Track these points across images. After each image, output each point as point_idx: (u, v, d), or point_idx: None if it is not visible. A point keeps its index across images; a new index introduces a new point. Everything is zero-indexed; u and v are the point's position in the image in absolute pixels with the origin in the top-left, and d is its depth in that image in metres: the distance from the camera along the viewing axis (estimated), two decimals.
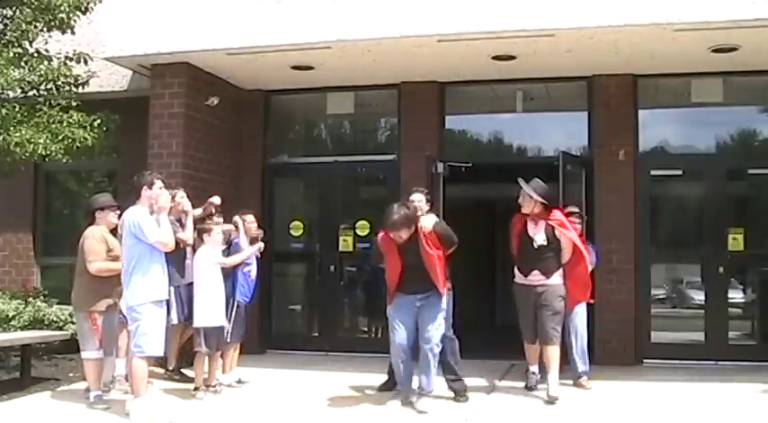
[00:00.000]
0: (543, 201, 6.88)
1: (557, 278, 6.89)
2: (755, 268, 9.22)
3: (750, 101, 9.44)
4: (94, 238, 6.54)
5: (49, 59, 8.50)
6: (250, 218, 7.71)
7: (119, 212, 6.64)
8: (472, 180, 10.00)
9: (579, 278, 7.02)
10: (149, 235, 6.03)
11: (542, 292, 6.83)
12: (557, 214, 6.99)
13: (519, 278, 7.04)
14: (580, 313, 7.48)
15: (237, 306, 7.32)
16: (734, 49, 8.07)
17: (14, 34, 8.33)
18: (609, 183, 9.03)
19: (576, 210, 7.71)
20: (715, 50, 8.14)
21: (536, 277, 6.89)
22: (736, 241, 8.96)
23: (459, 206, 9.68)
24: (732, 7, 7.11)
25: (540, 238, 6.86)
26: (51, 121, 8.26)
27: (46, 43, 8.65)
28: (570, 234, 6.93)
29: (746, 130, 9.55)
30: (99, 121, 8.51)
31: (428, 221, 6.24)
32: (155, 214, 6.22)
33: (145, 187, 6.30)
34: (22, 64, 8.30)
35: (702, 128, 9.48)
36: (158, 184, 6.31)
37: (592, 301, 7.58)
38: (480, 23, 7.72)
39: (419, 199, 6.60)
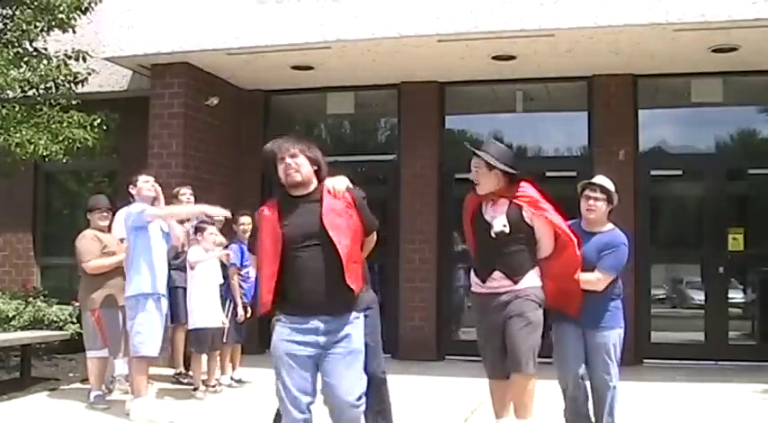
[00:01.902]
0: (508, 169, 4.58)
1: (530, 280, 4.56)
2: (755, 268, 9.22)
3: (750, 101, 9.44)
4: (86, 239, 6.60)
5: (49, 58, 8.50)
6: (244, 220, 7.67)
7: (106, 214, 6.70)
8: None
9: (564, 280, 4.62)
10: (148, 213, 6.15)
11: (509, 301, 4.51)
12: (526, 188, 4.63)
13: (475, 285, 4.72)
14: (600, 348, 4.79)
15: (235, 307, 7.32)
16: (734, 49, 8.07)
17: (14, 34, 8.33)
18: None
19: (601, 182, 4.96)
20: (715, 50, 8.14)
21: (498, 282, 4.56)
22: (736, 241, 8.96)
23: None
24: (732, 7, 7.11)
25: (498, 222, 4.55)
26: (51, 121, 8.26)
27: (45, 43, 8.65)
28: (551, 215, 4.58)
29: (746, 130, 9.55)
30: (99, 121, 8.51)
31: (341, 182, 3.77)
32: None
33: (131, 186, 6.57)
34: (22, 64, 8.30)
35: (702, 128, 9.48)
36: (143, 178, 6.52)
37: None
38: (480, 23, 7.72)
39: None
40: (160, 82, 9.08)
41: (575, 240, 4.60)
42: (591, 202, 4.86)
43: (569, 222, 4.78)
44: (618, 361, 4.79)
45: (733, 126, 9.46)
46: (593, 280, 4.68)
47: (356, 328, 3.67)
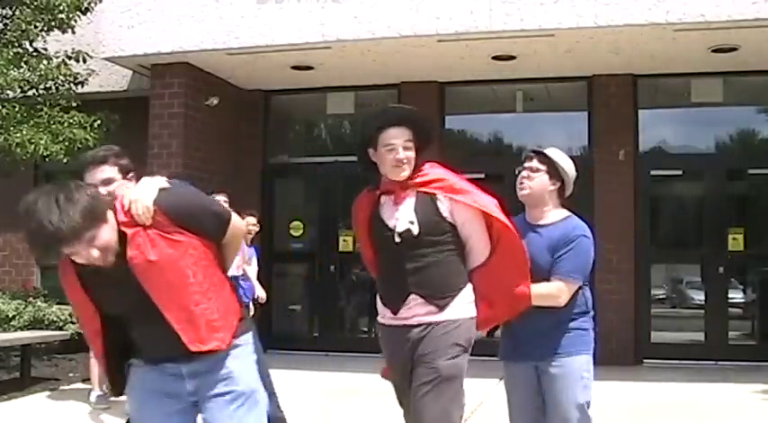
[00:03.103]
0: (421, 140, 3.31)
1: (460, 305, 3.20)
2: (755, 268, 9.22)
3: (750, 101, 9.44)
4: None
5: (49, 59, 8.50)
6: (250, 220, 7.69)
7: None
8: None
9: (508, 293, 3.29)
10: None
11: (419, 338, 3.19)
12: (436, 171, 3.30)
13: (382, 315, 3.37)
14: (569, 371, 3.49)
15: None
16: (734, 49, 8.07)
17: (14, 34, 8.33)
18: (609, 183, 9.03)
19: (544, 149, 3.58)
20: (715, 50, 8.14)
21: (413, 310, 3.20)
22: (736, 241, 8.96)
23: None
24: (732, 7, 7.11)
25: (403, 222, 3.19)
26: (51, 121, 8.26)
27: (45, 43, 8.64)
28: (477, 197, 3.24)
29: (746, 130, 9.55)
30: (99, 121, 8.51)
31: (141, 195, 2.64)
32: None
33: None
34: (22, 64, 8.30)
35: (702, 128, 9.49)
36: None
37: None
38: (480, 23, 7.72)
39: (106, 176, 3.03)
40: (160, 82, 9.08)
41: (511, 225, 3.22)
42: (525, 172, 3.44)
43: (517, 217, 3.51)
44: (588, 404, 3.51)
45: (733, 126, 9.46)
46: (552, 292, 3.30)
47: (239, 362, 2.69)
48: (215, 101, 9.39)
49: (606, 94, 9.19)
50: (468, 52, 8.46)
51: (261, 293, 7.33)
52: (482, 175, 9.93)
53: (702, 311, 9.24)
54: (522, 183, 3.47)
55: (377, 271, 3.37)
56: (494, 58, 8.64)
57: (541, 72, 9.13)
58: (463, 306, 3.20)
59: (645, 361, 8.95)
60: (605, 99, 9.19)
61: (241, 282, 7.49)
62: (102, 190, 2.78)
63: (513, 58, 8.63)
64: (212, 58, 8.88)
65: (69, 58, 8.57)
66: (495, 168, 9.73)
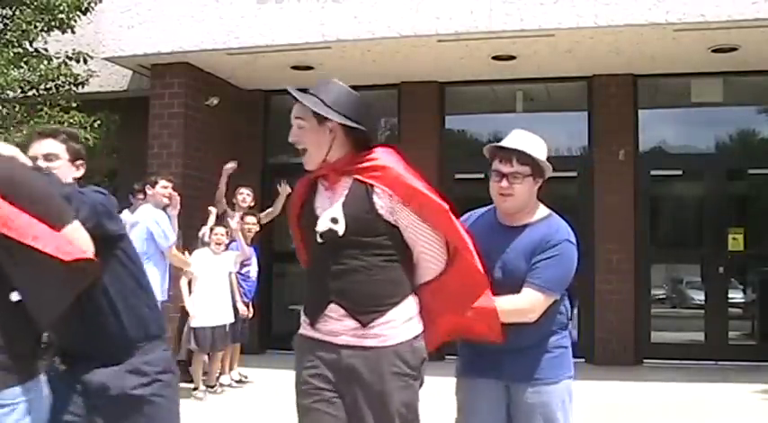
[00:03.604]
0: (349, 122, 2.72)
1: (397, 328, 2.66)
2: (755, 268, 9.22)
3: (750, 101, 9.44)
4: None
5: (49, 59, 8.50)
6: (250, 219, 7.70)
7: None
8: None
9: (468, 300, 2.77)
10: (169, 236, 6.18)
11: (350, 367, 2.64)
12: (382, 157, 2.72)
13: (302, 324, 2.82)
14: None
15: (234, 304, 7.33)
16: (734, 49, 8.08)
17: (14, 34, 8.33)
18: (609, 183, 9.03)
19: (518, 145, 2.94)
20: (715, 50, 8.14)
21: (333, 324, 2.68)
22: (736, 241, 8.96)
23: None
24: (732, 7, 7.11)
25: (325, 219, 2.68)
26: (52, 121, 8.26)
27: (46, 43, 8.65)
28: (428, 199, 2.68)
29: (746, 130, 9.55)
30: (99, 121, 8.52)
31: None
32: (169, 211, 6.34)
33: (147, 186, 6.48)
34: (22, 64, 8.30)
35: (702, 128, 9.49)
36: (162, 182, 6.43)
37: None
38: (480, 23, 7.72)
39: (49, 150, 2.85)
40: (160, 82, 9.08)
41: (468, 240, 2.69)
42: (504, 182, 2.86)
43: (475, 213, 3.07)
44: None
45: (733, 126, 9.46)
46: (521, 306, 2.78)
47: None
48: (215, 101, 9.39)
49: (606, 94, 9.19)
50: (468, 52, 8.46)
51: (243, 310, 7.35)
52: (482, 175, 9.95)
53: (702, 311, 9.24)
54: (503, 195, 2.88)
55: (306, 269, 2.86)
56: (494, 58, 8.64)
57: (541, 72, 9.12)
58: (401, 327, 2.62)
59: (645, 361, 8.94)
60: (605, 99, 9.19)
61: (242, 282, 7.51)
62: (43, 164, 2.61)
63: (513, 58, 8.63)
64: (212, 58, 8.88)
65: (70, 58, 8.57)
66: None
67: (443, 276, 2.71)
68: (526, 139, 2.91)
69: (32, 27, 8.35)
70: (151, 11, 8.65)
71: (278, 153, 10.50)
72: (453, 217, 2.69)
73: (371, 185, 2.63)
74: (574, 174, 9.49)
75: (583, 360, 8.99)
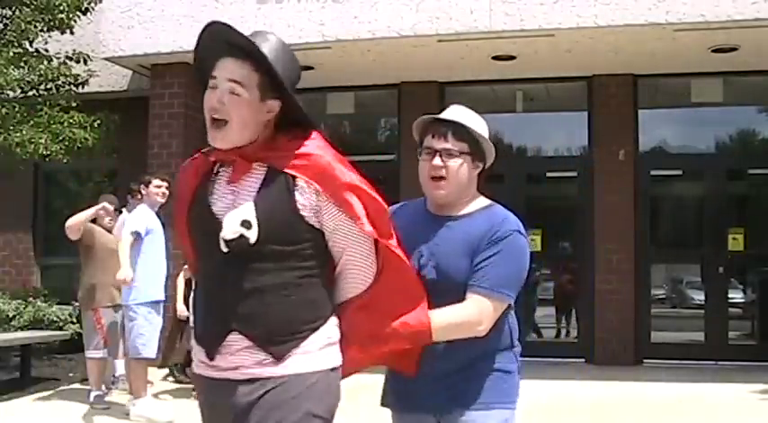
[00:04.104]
0: (300, 109, 2.15)
1: (312, 355, 2.10)
2: (755, 268, 9.22)
3: (750, 101, 9.44)
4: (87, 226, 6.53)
5: (49, 59, 8.51)
6: None
7: (112, 216, 6.71)
8: None
9: (399, 315, 2.21)
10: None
11: (255, 402, 2.05)
12: (306, 142, 2.14)
13: (195, 359, 2.19)
14: None
15: None
16: (734, 49, 8.08)
17: (14, 34, 8.34)
18: (609, 183, 9.03)
19: (456, 117, 2.41)
20: (715, 50, 8.15)
21: (234, 358, 2.07)
22: (736, 241, 8.96)
23: None
24: (732, 7, 7.11)
25: (233, 221, 2.05)
26: (52, 121, 8.27)
27: (46, 43, 8.65)
28: (367, 195, 2.17)
29: (746, 130, 9.56)
30: (99, 121, 8.52)
31: None
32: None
33: (141, 185, 6.50)
34: (22, 64, 8.31)
35: (702, 128, 9.49)
36: (155, 182, 6.44)
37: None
38: (480, 23, 7.72)
39: None
40: (160, 82, 9.08)
41: (400, 254, 2.18)
42: (436, 160, 2.36)
43: (402, 204, 2.61)
44: None
45: (733, 126, 9.47)
46: (468, 317, 2.25)
47: None
48: None
49: (606, 94, 9.19)
50: (468, 52, 8.46)
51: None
52: None
53: (702, 311, 9.24)
54: (435, 179, 2.36)
55: (196, 281, 2.22)
56: (494, 58, 8.64)
57: (541, 72, 9.12)
58: (317, 354, 2.08)
59: (645, 361, 8.94)
60: (605, 99, 9.19)
61: None
62: None
63: (513, 58, 8.62)
64: None
65: (70, 58, 8.57)
66: (495, 168, 9.72)
67: (372, 290, 2.16)
68: (465, 114, 2.38)
69: (32, 27, 8.35)
70: (151, 11, 8.65)
71: None
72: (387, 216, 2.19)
73: (293, 177, 2.05)
74: (574, 174, 9.49)
75: (583, 360, 9.01)
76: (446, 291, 2.26)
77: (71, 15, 8.40)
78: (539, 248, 9.30)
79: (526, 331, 9.52)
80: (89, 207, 6.55)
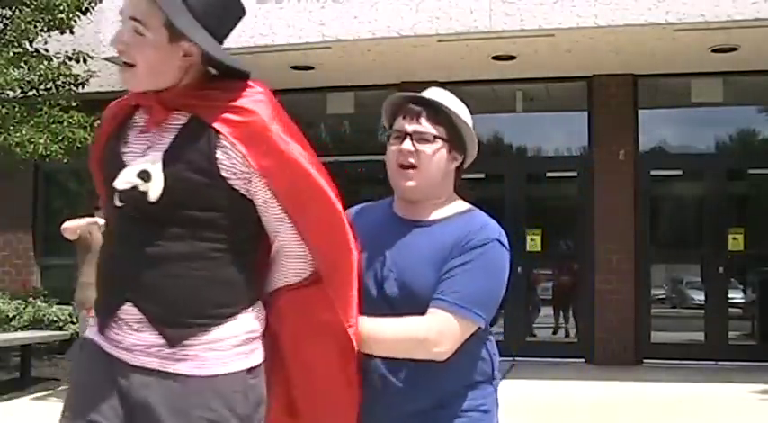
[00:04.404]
0: (223, 59, 1.80)
1: (225, 354, 1.71)
2: (755, 268, 9.22)
3: (750, 101, 9.45)
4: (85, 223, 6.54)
5: (49, 59, 8.51)
6: None
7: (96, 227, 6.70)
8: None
9: (330, 319, 1.80)
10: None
11: (144, 402, 1.68)
12: (247, 96, 1.80)
13: (90, 328, 1.84)
14: None
15: None
16: (734, 49, 8.08)
17: (14, 34, 8.34)
18: (609, 183, 9.03)
19: (434, 96, 2.12)
20: (715, 50, 8.15)
21: (129, 335, 1.72)
22: (736, 241, 8.96)
23: None
24: (732, 7, 7.11)
25: (131, 172, 1.70)
26: (51, 121, 8.27)
27: (46, 43, 8.65)
28: (302, 162, 1.75)
29: (746, 130, 9.56)
30: (99, 121, 8.52)
31: None
32: None
33: None
34: (22, 64, 8.31)
35: (702, 128, 9.49)
36: None
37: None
38: (480, 23, 7.72)
39: None
40: None
41: (352, 244, 1.82)
42: (407, 143, 1.99)
43: (366, 205, 2.20)
44: None
45: (733, 126, 9.47)
46: (422, 333, 1.85)
47: None
48: None
49: (606, 94, 9.19)
50: (468, 52, 8.46)
51: None
52: (482, 176, 9.98)
53: (702, 311, 9.24)
54: (404, 167, 1.97)
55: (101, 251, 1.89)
56: (494, 58, 8.64)
57: (541, 72, 9.13)
58: (231, 352, 1.71)
59: (645, 361, 8.94)
60: (605, 99, 9.19)
61: None
62: None
63: (513, 58, 8.63)
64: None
65: (70, 58, 8.58)
66: (495, 168, 9.77)
67: (307, 286, 1.79)
68: (445, 95, 2.07)
69: (32, 27, 8.35)
70: None
71: None
72: (344, 215, 1.82)
73: (217, 132, 1.70)
74: (574, 174, 9.50)
75: (583, 360, 9.01)
76: (409, 310, 1.86)
77: (71, 15, 8.40)
78: (539, 248, 9.31)
79: (526, 331, 9.53)
80: (92, 208, 6.57)
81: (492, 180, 9.92)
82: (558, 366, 8.66)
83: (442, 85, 9.82)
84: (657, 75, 9.18)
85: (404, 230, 2.00)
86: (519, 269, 9.39)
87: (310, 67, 9.17)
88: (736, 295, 9.32)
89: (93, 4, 8.59)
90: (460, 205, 2.05)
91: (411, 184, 1.98)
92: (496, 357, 2.05)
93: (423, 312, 1.87)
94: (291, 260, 1.80)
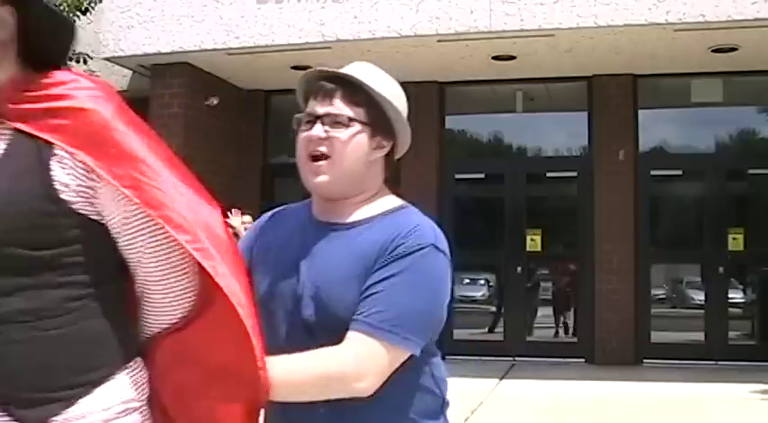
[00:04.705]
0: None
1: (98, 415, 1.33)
2: (755, 268, 9.22)
3: (750, 101, 9.45)
4: None
5: None
6: (246, 219, 7.69)
7: None
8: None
9: (228, 361, 1.42)
10: None
11: None
12: (79, 91, 1.35)
13: None
14: None
15: None
16: (734, 49, 8.08)
17: None
18: (609, 183, 9.03)
19: (352, 71, 1.67)
20: (715, 50, 8.15)
21: None
22: (736, 241, 8.96)
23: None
24: (732, 7, 7.11)
25: None
26: None
27: None
28: (156, 162, 1.37)
29: (746, 130, 9.56)
30: None
31: None
32: None
33: None
34: None
35: (702, 128, 9.50)
36: None
37: None
38: (480, 23, 7.73)
39: None
40: (160, 82, 9.08)
41: (239, 277, 1.43)
42: (317, 128, 1.62)
43: (274, 212, 1.84)
44: None
45: (733, 126, 9.47)
46: (340, 369, 1.49)
47: None
48: (215, 101, 9.40)
49: (606, 94, 9.19)
50: (468, 52, 8.46)
51: None
52: (482, 176, 9.99)
53: (702, 311, 9.24)
54: (314, 158, 1.62)
55: None
56: (494, 58, 8.64)
57: (541, 72, 9.12)
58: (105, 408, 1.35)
59: (645, 361, 8.94)
60: (605, 99, 9.19)
61: None
62: None
63: (513, 58, 8.63)
64: (212, 58, 8.89)
65: (70, 58, 8.58)
66: (495, 168, 9.78)
67: (186, 329, 1.41)
68: (367, 70, 1.67)
69: None
70: (151, 11, 8.65)
71: (278, 153, 10.50)
72: (222, 223, 1.46)
73: (48, 143, 1.32)
74: (574, 174, 9.50)
75: (583, 360, 9.01)
76: (326, 331, 1.53)
77: (71, 15, 8.40)
78: (539, 248, 9.32)
79: (526, 331, 9.53)
80: None
81: (492, 180, 9.92)
82: (558, 366, 8.66)
83: (442, 85, 9.94)
84: (657, 75, 9.18)
85: (319, 236, 1.64)
86: (519, 269, 9.42)
87: (310, 67, 9.15)
88: (736, 295, 9.31)
89: (93, 4, 8.59)
90: (389, 202, 1.69)
91: (322, 178, 1.62)
92: (445, 384, 1.71)
93: (343, 336, 1.51)
94: (159, 298, 1.41)
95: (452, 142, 9.96)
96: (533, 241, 9.32)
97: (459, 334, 9.61)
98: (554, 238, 9.62)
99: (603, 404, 6.77)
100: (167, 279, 1.40)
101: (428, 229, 1.61)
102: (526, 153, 9.97)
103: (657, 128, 9.54)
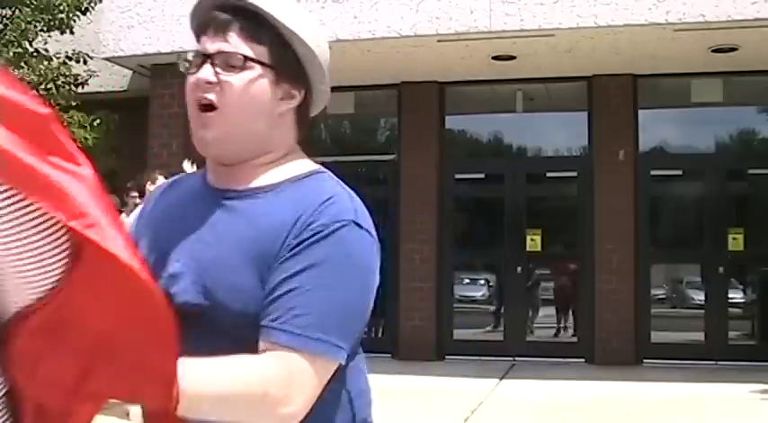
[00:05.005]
0: None
1: None
2: (755, 268, 9.22)
3: (750, 101, 9.45)
4: None
5: (49, 59, 8.51)
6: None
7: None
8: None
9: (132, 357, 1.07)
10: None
11: None
12: None
13: None
14: None
15: None
16: (734, 49, 8.08)
17: (14, 34, 8.34)
18: (609, 183, 9.03)
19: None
20: (715, 50, 8.15)
21: None
22: (736, 241, 8.96)
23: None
24: (732, 7, 7.11)
25: None
26: None
27: (46, 43, 8.65)
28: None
29: (746, 130, 9.57)
30: (99, 121, 8.52)
31: None
32: None
33: (148, 182, 6.41)
34: (22, 64, 8.31)
35: (702, 128, 9.50)
36: (160, 179, 6.40)
37: None
38: (480, 23, 7.73)
39: None
40: (160, 82, 9.08)
41: (120, 242, 1.07)
42: (205, 71, 1.28)
43: (173, 179, 1.63)
44: None
45: (733, 126, 9.48)
46: (254, 390, 1.15)
47: None
48: None
49: (606, 94, 9.19)
50: (468, 52, 8.46)
51: None
52: (482, 176, 10.00)
53: (702, 311, 9.24)
54: (202, 108, 1.33)
55: None
56: (494, 58, 8.64)
57: (541, 72, 9.12)
58: None
59: (645, 361, 8.94)
60: (605, 99, 9.19)
61: None
62: None
63: (513, 58, 8.63)
64: None
65: (70, 58, 8.58)
66: (495, 168, 9.79)
67: (58, 300, 1.06)
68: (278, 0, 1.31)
69: (32, 27, 8.36)
70: (151, 11, 8.65)
71: None
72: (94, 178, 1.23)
73: None
74: (574, 174, 9.50)
75: (583, 360, 9.01)
76: (216, 328, 1.23)
77: (71, 15, 8.40)
78: (539, 248, 9.32)
79: (526, 331, 9.53)
80: None
81: (492, 180, 9.92)
82: (558, 366, 8.66)
83: (442, 85, 9.94)
84: (657, 75, 9.18)
85: (211, 207, 1.33)
86: (519, 269, 9.42)
87: None
88: (736, 295, 9.31)
89: (93, 4, 8.60)
90: (300, 166, 1.36)
91: (209, 134, 1.33)
92: (362, 397, 1.37)
93: (232, 333, 1.21)
94: (8, 268, 1.05)
95: (452, 142, 9.96)
96: (533, 241, 9.33)
97: (459, 334, 9.62)
98: (554, 238, 9.62)
99: (603, 404, 6.78)
100: (16, 239, 1.04)
101: (345, 201, 1.28)
102: (526, 153, 9.97)
103: (657, 128, 9.54)
